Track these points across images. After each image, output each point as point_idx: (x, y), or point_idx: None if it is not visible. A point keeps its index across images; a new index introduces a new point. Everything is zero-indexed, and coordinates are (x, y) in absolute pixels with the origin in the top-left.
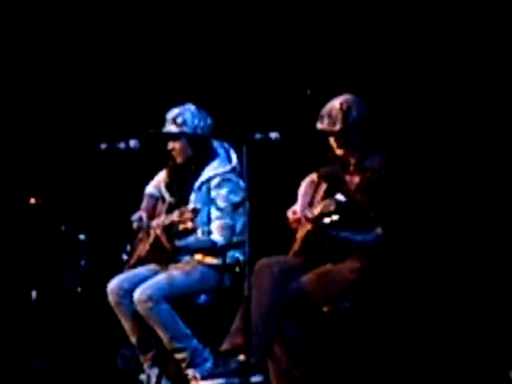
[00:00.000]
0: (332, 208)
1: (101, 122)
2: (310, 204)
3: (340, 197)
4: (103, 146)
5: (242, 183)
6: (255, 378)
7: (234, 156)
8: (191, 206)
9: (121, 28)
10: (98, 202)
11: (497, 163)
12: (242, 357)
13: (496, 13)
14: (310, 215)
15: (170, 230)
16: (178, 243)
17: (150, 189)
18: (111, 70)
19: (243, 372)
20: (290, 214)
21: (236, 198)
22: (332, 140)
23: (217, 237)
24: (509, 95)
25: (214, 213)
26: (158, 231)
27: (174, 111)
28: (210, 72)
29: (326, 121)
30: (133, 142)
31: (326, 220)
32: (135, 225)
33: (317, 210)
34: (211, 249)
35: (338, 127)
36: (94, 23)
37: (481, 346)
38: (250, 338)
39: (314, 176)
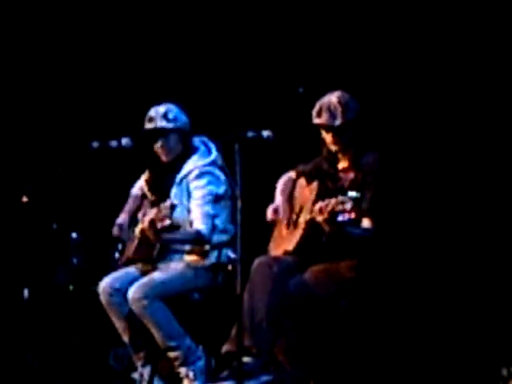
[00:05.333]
0: (349, 206)
1: (93, 121)
2: (290, 200)
3: (355, 194)
4: (95, 144)
5: (222, 177)
6: (264, 378)
7: (213, 149)
8: (168, 202)
9: (110, 28)
10: (90, 200)
11: (487, 160)
12: (246, 358)
13: (485, 9)
14: (326, 213)
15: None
16: (165, 236)
17: (135, 190)
18: (103, 69)
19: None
20: (270, 212)
21: (216, 190)
22: (328, 135)
23: (199, 225)
24: (500, 92)
25: (194, 202)
26: (145, 225)
27: (161, 108)
28: (202, 70)
29: (325, 115)
30: (125, 141)
31: (340, 218)
32: (115, 231)
33: (329, 207)
34: (197, 239)
35: (338, 122)
36: (84, 24)
37: (473, 342)
38: (242, 337)
39: (291, 174)
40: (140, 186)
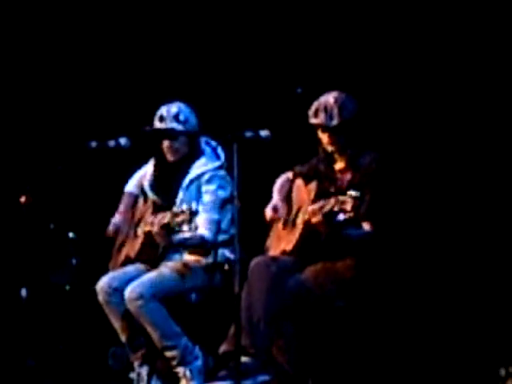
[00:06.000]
0: (349, 206)
1: (91, 120)
2: (287, 199)
3: (354, 193)
4: (93, 144)
5: (230, 179)
6: (262, 378)
7: (221, 153)
8: (186, 207)
9: (111, 27)
10: (88, 200)
11: (486, 161)
12: (244, 358)
13: (485, 9)
14: (319, 215)
15: (167, 228)
16: (174, 239)
17: (130, 187)
18: (101, 69)
19: (239, 375)
20: (269, 210)
21: (224, 194)
22: (325, 135)
23: (203, 231)
24: (500, 92)
25: (202, 206)
26: (156, 229)
27: (173, 108)
28: (201, 70)
29: (321, 115)
30: (123, 140)
31: (341, 217)
32: (111, 231)
33: (325, 208)
34: (201, 244)
35: (335, 122)
36: (84, 23)
37: (472, 343)
38: (240, 337)
39: (289, 174)
40: (136, 183)
